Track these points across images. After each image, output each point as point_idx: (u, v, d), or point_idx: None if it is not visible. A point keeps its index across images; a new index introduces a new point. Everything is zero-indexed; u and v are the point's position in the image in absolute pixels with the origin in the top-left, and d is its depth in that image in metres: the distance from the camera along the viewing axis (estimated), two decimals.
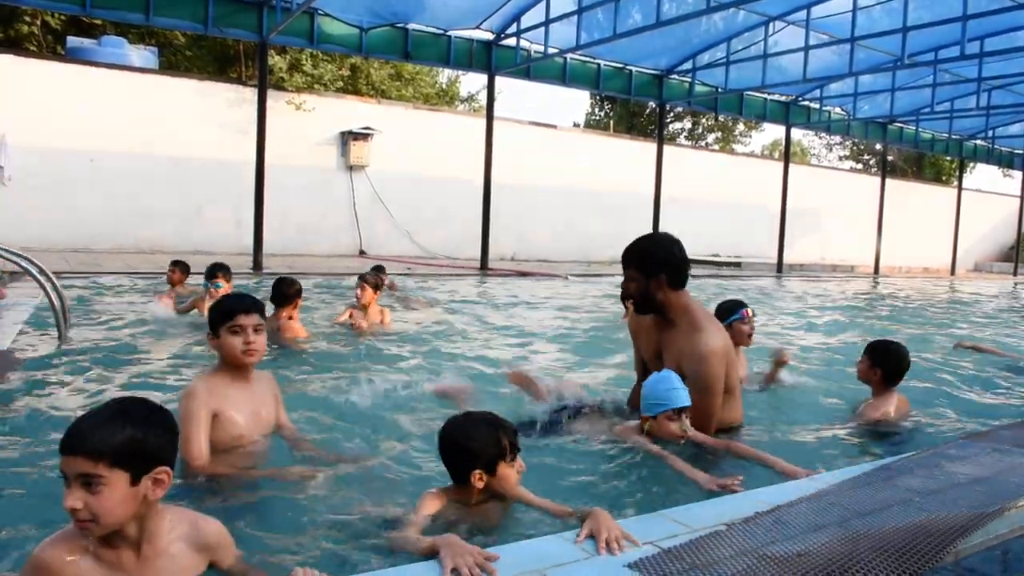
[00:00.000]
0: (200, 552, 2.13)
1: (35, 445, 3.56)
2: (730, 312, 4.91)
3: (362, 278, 7.39)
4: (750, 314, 4.92)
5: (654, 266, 3.84)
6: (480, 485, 2.66)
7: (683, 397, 3.55)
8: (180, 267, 8.88)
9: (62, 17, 20.43)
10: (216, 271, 6.94)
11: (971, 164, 34.79)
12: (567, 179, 23.23)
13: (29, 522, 2.69)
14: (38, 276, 6.04)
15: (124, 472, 1.90)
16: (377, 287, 7.41)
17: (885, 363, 4.38)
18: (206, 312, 6.44)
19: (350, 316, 7.23)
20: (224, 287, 6.77)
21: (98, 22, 20.10)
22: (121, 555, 2.00)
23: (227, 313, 3.25)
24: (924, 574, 2.19)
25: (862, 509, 2.67)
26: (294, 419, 3.69)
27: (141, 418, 1.97)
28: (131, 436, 1.91)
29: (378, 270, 11.15)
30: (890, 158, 32.98)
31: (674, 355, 3.87)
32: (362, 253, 19.79)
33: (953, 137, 26.21)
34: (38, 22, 20.44)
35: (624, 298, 4.25)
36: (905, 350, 4.45)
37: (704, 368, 3.75)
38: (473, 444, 2.67)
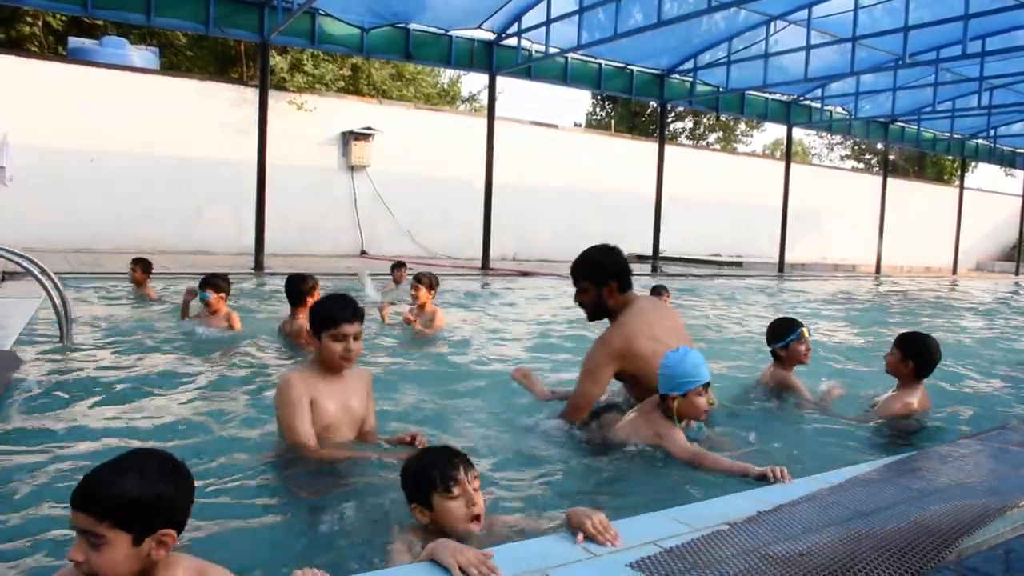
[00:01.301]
0: None
1: (33, 447, 3.56)
2: (787, 332, 4.84)
3: (417, 278, 7.32)
4: (807, 334, 4.83)
5: (605, 275, 4.13)
6: (423, 520, 2.55)
7: (707, 372, 3.64)
8: (141, 265, 8.77)
9: (63, 18, 20.44)
10: (205, 283, 6.65)
11: (972, 163, 34.78)
12: (568, 179, 23.23)
13: (24, 528, 2.69)
14: (40, 276, 6.04)
15: (126, 534, 1.86)
16: (432, 287, 7.33)
17: (918, 355, 4.31)
18: (211, 321, 6.48)
19: (405, 316, 7.21)
20: (211, 297, 6.56)
21: (99, 23, 20.12)
22: None
23: (331, 320, 3.38)
24: (926, 573, 2.19)
25: (864, 508, 2.67)
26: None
27: (153, 478, 1.90)
28: (137, 499, 1.87)
29: (400, 266, 11.14)
30: (891, 157, 32.96)
31: None
32: (363, 253, 19.79)
33: (954, 136, 26.19)
34: (39, 23, 20.44)
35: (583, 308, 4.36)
36: (937, 343, 4.39)
37: (590, 351, 4.14)
38: (410, 479, 2.59)
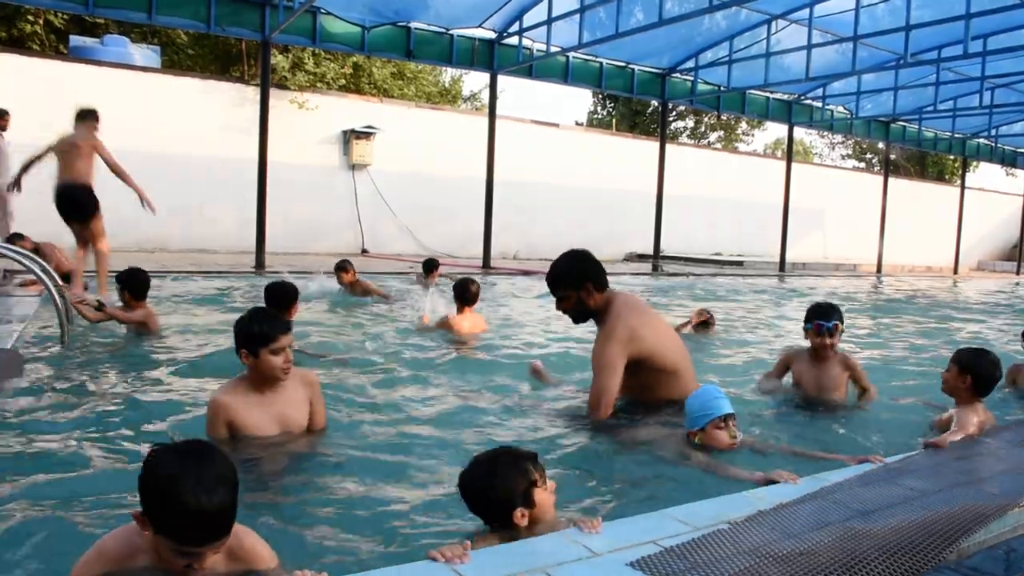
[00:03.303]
0: (234, 561, 2.18)
1: (34, 444, 3.58)
2: (807, 318, 4.93)
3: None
4: (826, 328, 4.77)
5: (579, 279, 4.33)
6: (525, 523, 2.52)
7: (724, 405, 3.69)
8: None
9: (65, 16, 20.44)
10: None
11: (974, 163, 34.73)
12: (570, 178, 23.21)
13: (30, 523, 2.70)
14: (42, 275, 6.05)
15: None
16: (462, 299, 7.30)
17: (976, 371, 4.10)
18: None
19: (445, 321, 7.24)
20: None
21: (101, 21, 20.11)
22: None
23: (270, 336, 3.48)
24: (927, 572, 2.19)
25: (865, 508, 2.67)
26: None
27: (233, 478, 2.05)
28: (236, 494, 2.04)
29: (431, 264, 11.12)
30: (893, 157, 32.94)
31: None
32: (364, 252, 19.79)
33: (956, 136, 26.14)
34: (41, 21, 20.45)
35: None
36: (996, 359, 4.20)
37: (596, 348, 4.29)
38: (502, 487, 2.53)
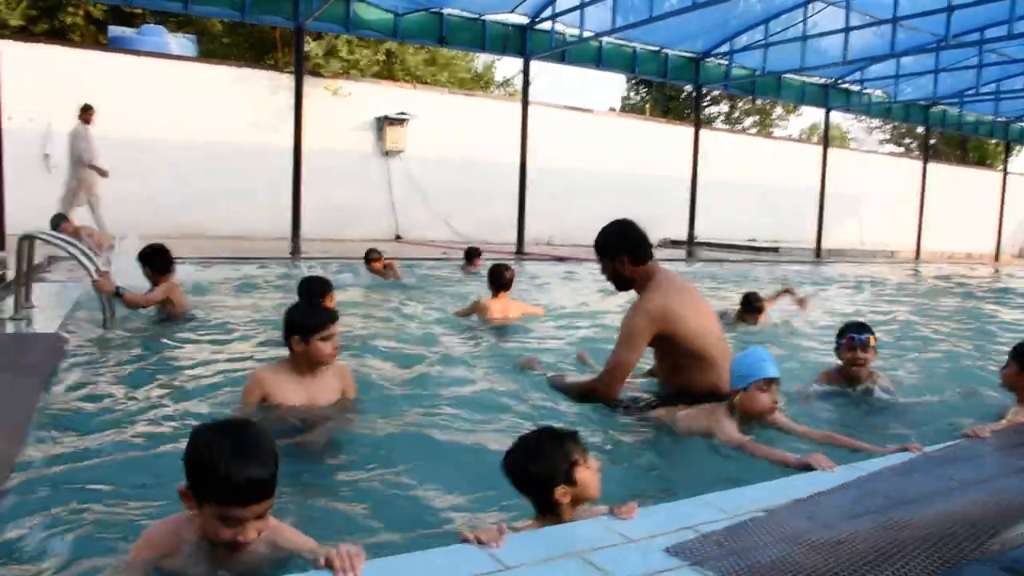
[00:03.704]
0: (276, 551, 2.23)
1: (79, 427, 3.65)
2: (839, 334, 4.76)
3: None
4: (857, 342, 4.63)
5: (614, 249, 4.37)
6: (567, 500, 2.54)
7: (770, 368, 3.65)
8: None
9: (104, 7, 20.71)
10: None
11: (1017, 147, 34.00)
12: (603, 164, 23.10)
13: (77, 510, 2.76)
14: (84, 261, 6.15)
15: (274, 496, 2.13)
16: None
17: None
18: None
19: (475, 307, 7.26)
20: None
21: (138, 11, 20.35)
22: (217, 550, 2.15)
23: (320, 325, 3.72)
24: (967, 564, 2.17)
25: (903, 497, 2.64)
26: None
27: (270, 446, 2.13)
28: (277, 462, 2.11)
29: (473, 252, 11.13)
30: (932, 141, 32.36)
31: None
32: (398, 238, 19.89)
33: (998, 119, 25.61)
34: (81, 13, 20.76)
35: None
36: None
37: (627, 317, 4.29)
38: (544, 465, 2.56)
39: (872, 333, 4.70)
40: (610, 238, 4.41)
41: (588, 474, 2.58)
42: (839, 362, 4.78)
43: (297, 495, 2.93)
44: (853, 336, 4.65)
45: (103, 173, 13.41)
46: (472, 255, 11.32)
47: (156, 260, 6.55)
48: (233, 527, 2.04)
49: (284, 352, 3.86)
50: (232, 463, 2.02)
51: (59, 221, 11.03)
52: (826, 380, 4.81)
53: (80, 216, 13.17)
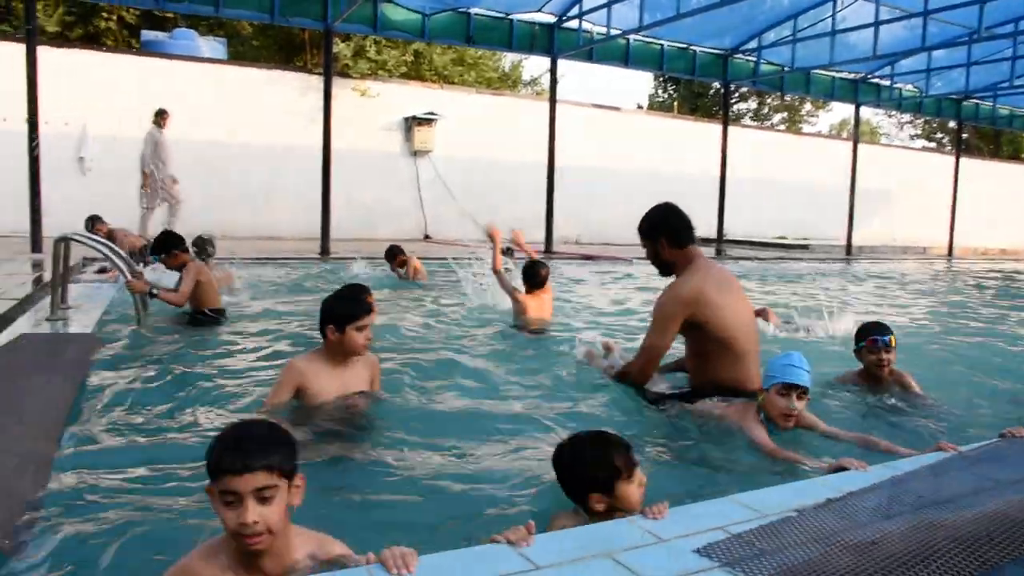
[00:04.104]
0: (316, 564, 2.17)
1: (116, 427, 3.70)
2: (858, 336, 4.69)
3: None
4: (880, 344, 4.56)
5: (654, 231, 4.43)
6: (601, 508, 2.55)
7: (795, 375, 3.62)
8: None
9: (137, 12, 21.00)
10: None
11: None
12: (631, 161, 23.02)
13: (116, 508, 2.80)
14: (118, 262, 6.25)
15: (286, 481, 2.05)
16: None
17: None
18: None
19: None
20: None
21: (170, 15, 20.60)
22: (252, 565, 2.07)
23: (355, 315, 3.81)
24: (1005, 566, 2.14)
25: (938, 497, 2.61)
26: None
27: (279, 433, 2.12)
28: (284, 449, 2.08)
29: (508, 252, 11.04)
30: (964, 136, 31.86)
31: None
32: (427, 237, 19.96)
33: None
34: (115, 18, 21.08)
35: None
36: None
37: (659, 302, 4.33)
38: (584, 469, 2.58)
39: (892, 332, 4.63)
40: (652, 220, 4.48)
41: (630, 489, 2.56)
42: (857, 366, 4.74)
43: (328, 488, 2.96)
44: (876, 338, 4.58)
45: (147, 186, 13.89)
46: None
47: (166, 244, 6.57)
48: (234, 508, 1.97)
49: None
50: (225, 433, 2.08)
51: (93, 223, 11.21)
52: (848, 382, 4.76)
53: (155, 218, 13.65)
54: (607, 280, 12.25)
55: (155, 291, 6.25)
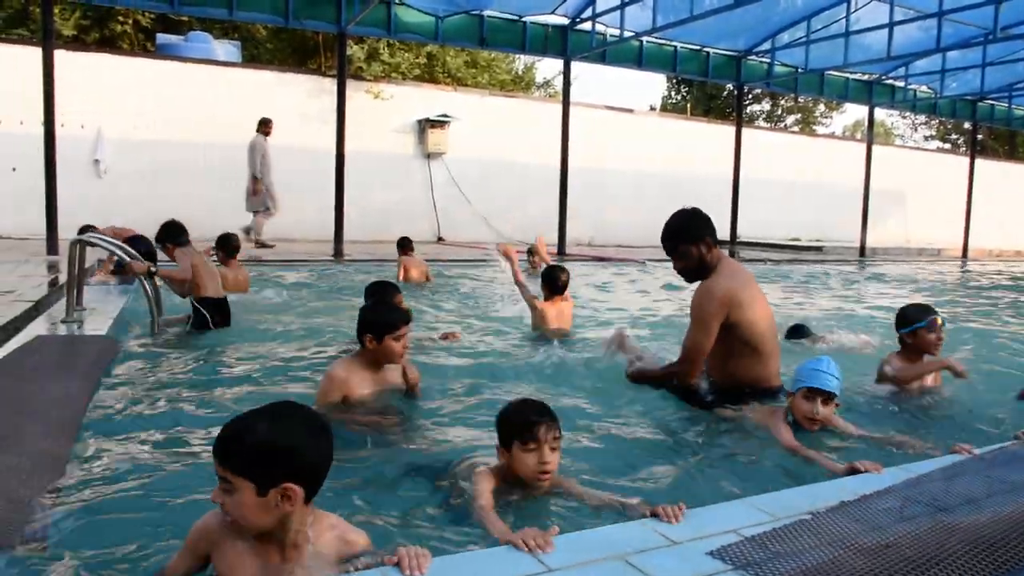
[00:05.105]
0: (342, 562, 2.17)
1: (131, 429, 3.73)
2: (917, 318, 4.62)
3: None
4: (939, 322, 4.58)
5: (697, 232, 4.34)
6: (502, 460, 2.87)
7: (823, 380, 3.64)
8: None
9: (152, 16, 21.13)
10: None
11: None
12: (644, 163, 22.99)
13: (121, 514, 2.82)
14: (118, 252, 6.30)
15: (250, 483, 2.00)
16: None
17: None
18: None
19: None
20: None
21: (185, 19, 20.71)
22: (269, 550, 2.11)
23: (394, 325, 3.88)
24: (1020, 570, 2.13)
25: (953, 500, 2.60)
26: None
27: (281, 431, 2.04)
28: (259, 449, 2.01)
29: (531, 252, 11.05)
30: (980, 137, 31.63)
31: None
32: (440, 239, 19.98)
33: None
34: (130, 22, 21.22)
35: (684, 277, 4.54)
36: None
37: (694, 300, 4.31)
38: (501, 420, 2.90)
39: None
40: (691, 221, 4.41)
41: (523, 456, 2.79)
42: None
43: (365, 482, 3.07)
44: (934, 320, 4.56)
45: (259, 191, 14.85)
46: (531, 254, 10.82)
47: (161, 235, 6.67)
48: (223, 486, 2.03)
49: (325, 355, 3.95)
50: (235, 419, 2.11)
51: (89, 229, 11.24)
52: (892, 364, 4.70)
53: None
54: (622, 281, 12.22)
55: (154, 270, 6.32)
